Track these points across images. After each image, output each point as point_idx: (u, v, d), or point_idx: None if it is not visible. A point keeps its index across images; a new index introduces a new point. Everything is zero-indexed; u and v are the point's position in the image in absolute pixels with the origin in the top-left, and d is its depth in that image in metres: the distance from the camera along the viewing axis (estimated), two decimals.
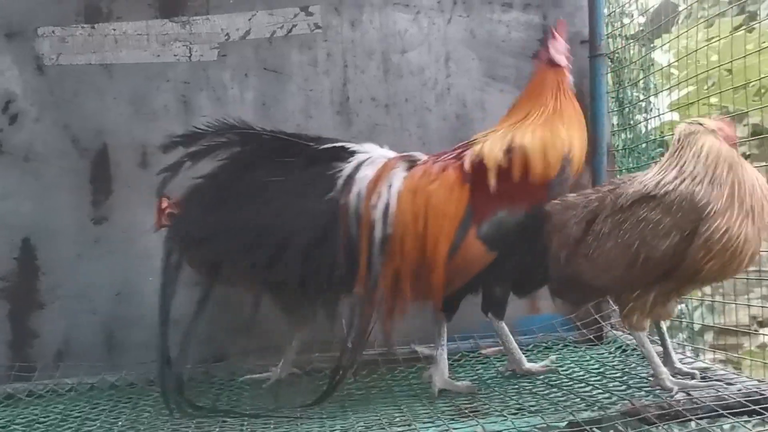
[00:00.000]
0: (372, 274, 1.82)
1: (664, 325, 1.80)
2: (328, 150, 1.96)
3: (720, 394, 1.59)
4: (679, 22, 2.61)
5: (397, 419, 1.68)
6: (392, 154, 2.00)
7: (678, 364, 1.82)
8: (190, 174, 1.91)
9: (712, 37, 2.16)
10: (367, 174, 1.91)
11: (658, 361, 1.72)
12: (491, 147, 1.90)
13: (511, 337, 2.03)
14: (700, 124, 1.60)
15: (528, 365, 2.04)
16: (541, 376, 2.01)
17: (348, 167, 1.92)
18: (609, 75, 2.54)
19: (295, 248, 1.81)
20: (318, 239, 1.83)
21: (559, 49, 2.01)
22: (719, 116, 1.79)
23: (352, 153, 1.96)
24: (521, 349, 2.10)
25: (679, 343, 2.22)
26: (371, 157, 1.96)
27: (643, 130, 2.49)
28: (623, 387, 1.82)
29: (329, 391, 1.84)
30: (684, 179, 1.54)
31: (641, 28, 2.53)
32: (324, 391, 1.85)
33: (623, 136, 2.57)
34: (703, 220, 1.48)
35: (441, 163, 1.94)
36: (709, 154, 1.54)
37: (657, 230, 1.53)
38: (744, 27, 2.46)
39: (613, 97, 2.58)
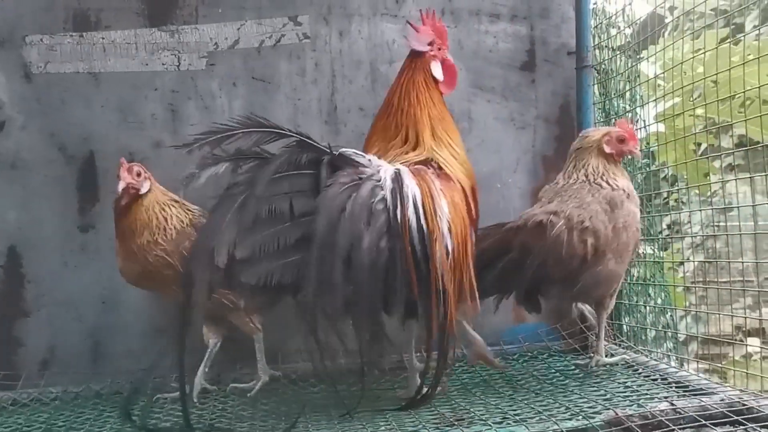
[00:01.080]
0: (444, 287, 1.77)
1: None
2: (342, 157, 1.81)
3: (703, 404, 1.60)
4: (666, 34, 2.63)
5: (383, 428, 1.69)
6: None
7: None
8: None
9: (699, 49, 2.19)
10: (411, 185, 1.79)
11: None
12: (457, 171, 1.96)
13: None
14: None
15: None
16: (527, 385, 2.02)
17: (386, 178, 1.78)
18: (595, 86, 2.57)
19: (360, 261, 1.66)
20: (378, 251, 1.70)
21: (422, 40, 2.04)
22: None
23: (354, 161, 1.82)
24: (507, 359, 2.16)
25: (663, 353, 2.23)
26: (400, 169, 1.83)
27: None
28: (607, 396, 1.83)
29: (426, 397, 1.85)
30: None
31: (628, 40, 2.56)
32: (419, 397, 1.85)
33: None
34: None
35: (443, 177, 1.93)
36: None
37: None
38: (730, 39, 2.49)
39: (599, 108, 2.60)
